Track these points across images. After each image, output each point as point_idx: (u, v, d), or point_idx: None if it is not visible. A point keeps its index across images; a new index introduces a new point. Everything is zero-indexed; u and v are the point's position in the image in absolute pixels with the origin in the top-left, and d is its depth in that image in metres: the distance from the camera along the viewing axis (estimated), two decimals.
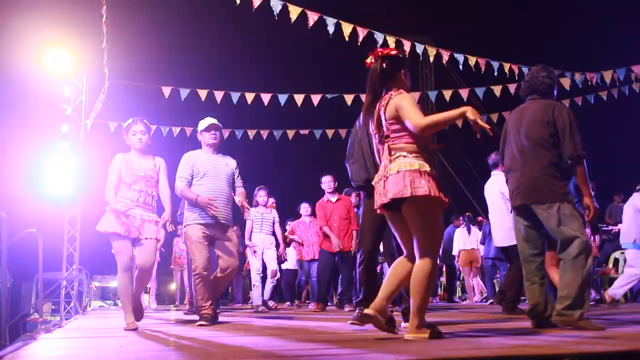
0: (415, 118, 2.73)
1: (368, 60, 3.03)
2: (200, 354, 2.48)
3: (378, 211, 2.93)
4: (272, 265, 7.20)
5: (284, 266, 8.70)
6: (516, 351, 2.21)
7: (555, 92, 3.71)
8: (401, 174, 2.71)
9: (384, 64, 2.96)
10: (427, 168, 2.74)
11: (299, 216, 8.66)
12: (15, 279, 13.37)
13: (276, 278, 7.33)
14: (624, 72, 8.29)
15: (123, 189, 4.25)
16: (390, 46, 6.85)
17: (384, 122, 2.88)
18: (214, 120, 4.86)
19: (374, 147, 3.82)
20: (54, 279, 8.71)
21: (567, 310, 3.25)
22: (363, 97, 3.96)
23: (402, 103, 2.81)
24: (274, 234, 7.35)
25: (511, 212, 3.77)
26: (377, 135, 2.96)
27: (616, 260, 8.32)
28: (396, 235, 2.98)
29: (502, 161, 3.87)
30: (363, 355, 2.24)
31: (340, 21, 6.57)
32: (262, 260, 7.19)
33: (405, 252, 2.92)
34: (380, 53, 3.00)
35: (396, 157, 2.79)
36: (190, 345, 2.92)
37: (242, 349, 2.65)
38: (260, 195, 7.31)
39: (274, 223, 7.38)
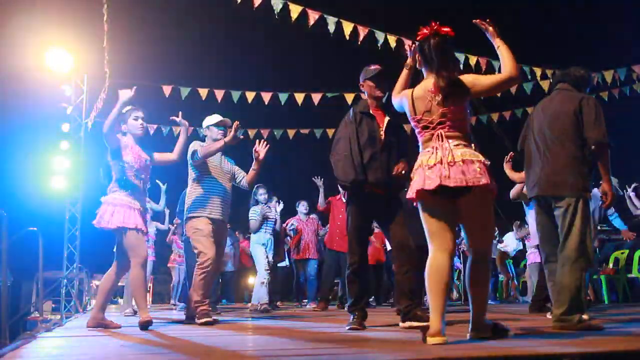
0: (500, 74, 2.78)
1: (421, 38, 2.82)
2: (200, 353, 2.48)
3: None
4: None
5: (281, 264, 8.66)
6: (516, 351, 2.21)
7: (587, 90, 3.67)
8: (468, 162, 2.57)
9: (444, 43, 2.76)
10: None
11: (296, 213, 8.64)
12: (16, 278, 13.37)
13: (267, 280, 7.10)
14: (625, 72, 8.28)
15: (131, 177, 4.13)
16: (391, 45, 6.84)
17: (439, 107, 2.69)
18: (224, 118, 4.89)
19: (361, 150, 3.76)
20: (54, 277, 8.72)
21: (567, 315, 3.22)
22: (364, 96, 3.95)
23: (473, 77, 2.79)
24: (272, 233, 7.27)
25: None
26: (420, 121, 2.76)
27: (616, 260, 8.32)
28: (436, 230, 2.64)
29: (519, 146, 3.79)
30: (363, 355, 2.24)
31: (341, 20, 6.57)
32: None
33: (441, 251, 2.62)
34: (437, 30, 2.79)
35: (455, 145, 2.62)
36: (190, 344, 2.92)
37: (241, 349, 2.64)
38: (261, 193, 7.22)
39: (275, 221, 7.29)
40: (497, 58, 2.77)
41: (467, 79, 2.73)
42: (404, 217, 3.81)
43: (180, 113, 4.54)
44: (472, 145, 2.68)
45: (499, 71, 2.82)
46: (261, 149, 4.72)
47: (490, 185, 2.56)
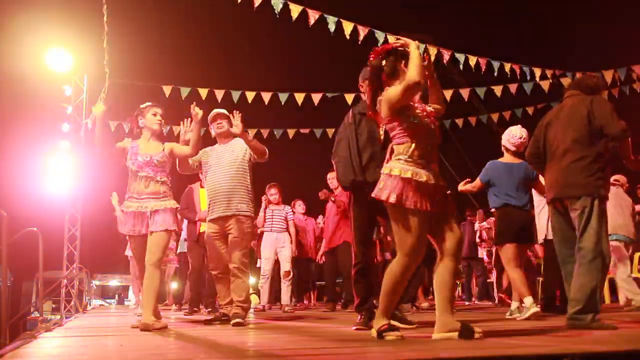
0: (399, 88, 2.75)
1: (371, 60, 2.99)
2: (200, 353, 2.48)
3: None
4: (285, 266, 6.95)
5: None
6: (516, 351, 2.21)
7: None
8: (384, 176, 2.78)
9: (384, 62, 2.91)
10: (409, 175, 2.68)
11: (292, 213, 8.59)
12: (16, 278, 13.39)
13: (290, 279, 7.00)
14: (624, 72, 8.28)
15: (131, 180, 4.13)
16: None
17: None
18: (219, 110, 4.76)
19: (360, 150, 3.80)
20: (54, 277, 8.73)
21: (580, 314, 3.26)
22: (364, 95, 3.94)
23: (383, 97, 2.84)
24: (287, 230, 7.15)
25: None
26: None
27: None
28: None
29: (531, 157, 3.85)
30: (363, 355, 2.24)
31: (341, 19, 6.57)
32: (276, 260, 7.02)
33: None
34: (378, 51, 2.97)
35: (390, 159, 2.84)
36: (190, 344, 2.92)
37: (242, 348, 2.64)
38: (272, 193, 7.08)
39: (286, 219, 7.16)
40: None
41: (388, 89, 2.84)
42: None
43: (193, 104, 4.33)
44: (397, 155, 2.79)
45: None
46: (237, 124, 4.42)
47: (387, 201, 2.70)
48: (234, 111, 4.47)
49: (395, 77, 2.87)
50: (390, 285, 2.77)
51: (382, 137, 3.81)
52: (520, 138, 4.83)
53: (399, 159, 2.75)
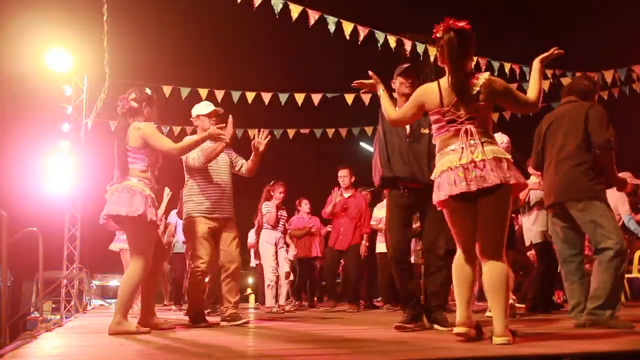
0: (526, 96, 2.71)
1: (438, 35, 2.76)
2: (200, 353, 2.48)
3: (437, 203, 2.71)
4: (284, 267, 6.92)
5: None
6: (516, 351, 2.21)
7: (595, 98, 3.80)
8: (498, 160, 2.53)
9: (458, 38, 2.69)
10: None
11: (297, 212, 8.57)
12: (16, 278, 13.38)
13: (289, 280, 7.02)
14: (624, 72, 8.28)
15: (151, 164, 3.81)
16: (391, 46, 6.84)
17: (471, 102, 2.62)
18: (215, 107, 4.65)
19: (387, 145, 3.80)
20: (54, 277, 8.72)
21: (598, 310, 3.34)
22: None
23: (495, 80, 2.70)
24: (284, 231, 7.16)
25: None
26: (446, 114, 2.69)
27: None
28: (459, 231, 2.70)
29: (534, 163, 3.91)
30: (363, 355, 2.24)
31: (341, 20, 6.57)
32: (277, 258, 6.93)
33: (465, 251, 2.71)
34: (452, 25, 2.72)
35: (484, 142, 2.58)
36: (191, 345, 2.92)
37: (242, 349, 2.64)
38: (281, 192, 7.01)
39: (286, 219, 7.18)
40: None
41: (502, 83, 2.73)
42: (437, 216, 3.36)
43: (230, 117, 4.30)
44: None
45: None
46: (261, 141, 4.52)
47: (519, 183, 2.54)
48: (261, 130, 4.55)
49: (462, 56, 2.68)
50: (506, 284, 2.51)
51: (407, 132, 3.82)
52: (502, 144, 4.90)
53: (494, 142, 2.62)
